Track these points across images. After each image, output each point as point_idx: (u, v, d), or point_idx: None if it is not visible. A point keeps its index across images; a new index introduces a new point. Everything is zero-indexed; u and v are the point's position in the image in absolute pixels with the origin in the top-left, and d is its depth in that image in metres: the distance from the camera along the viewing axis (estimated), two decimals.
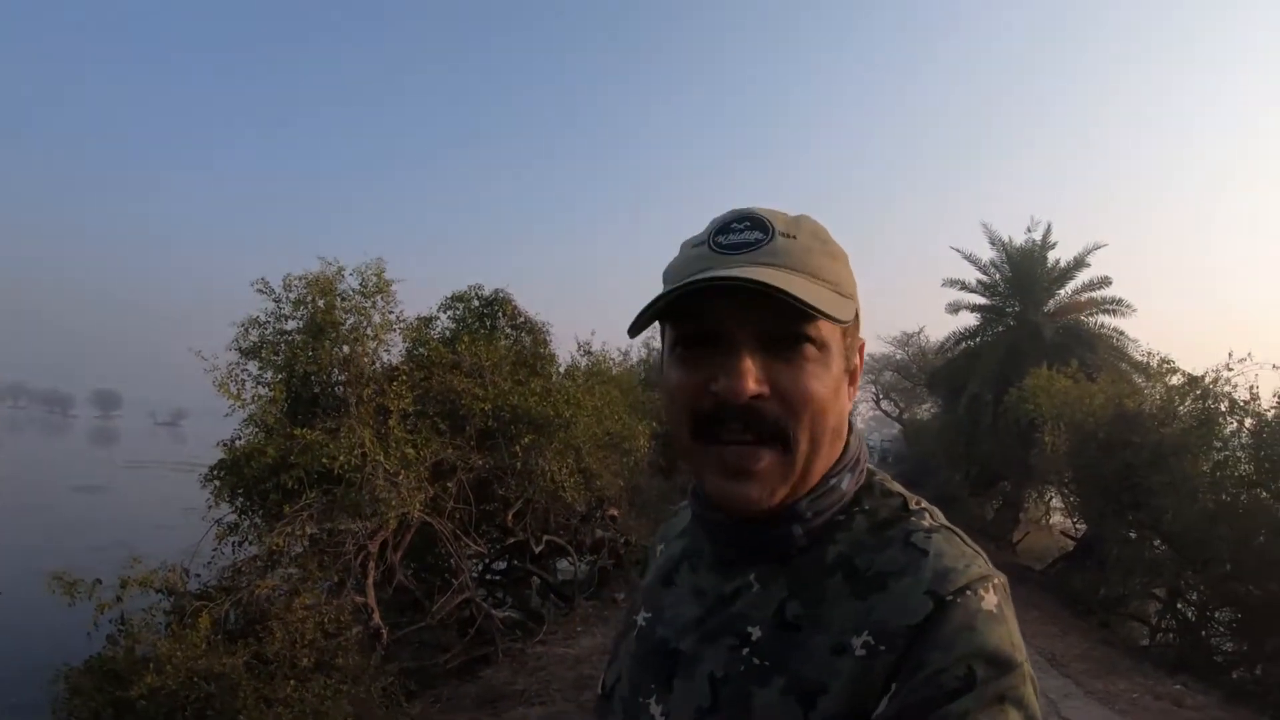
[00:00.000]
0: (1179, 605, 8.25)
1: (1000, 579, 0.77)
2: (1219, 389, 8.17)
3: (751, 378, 0.79)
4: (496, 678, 6.63)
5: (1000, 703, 0.68)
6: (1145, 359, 10.04)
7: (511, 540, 8.31)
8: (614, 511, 10.41)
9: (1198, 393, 8.43)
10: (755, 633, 0.81)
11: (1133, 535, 8.45)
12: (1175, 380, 8.99)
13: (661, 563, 1.01)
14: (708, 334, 0.81)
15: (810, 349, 0.80)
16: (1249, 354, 7.98)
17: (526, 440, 7.83)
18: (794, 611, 0.80)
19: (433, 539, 7.19)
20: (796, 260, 0.81)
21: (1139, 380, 10.72)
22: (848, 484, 0.86)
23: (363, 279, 6.63)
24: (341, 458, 5.82)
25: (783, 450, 0.80)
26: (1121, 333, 17.31)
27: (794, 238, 0.82)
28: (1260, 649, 6.44)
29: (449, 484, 7.27)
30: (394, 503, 6.09)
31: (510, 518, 8.14)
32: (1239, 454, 7.92)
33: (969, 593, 0.74)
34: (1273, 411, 7.49)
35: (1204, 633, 7.52)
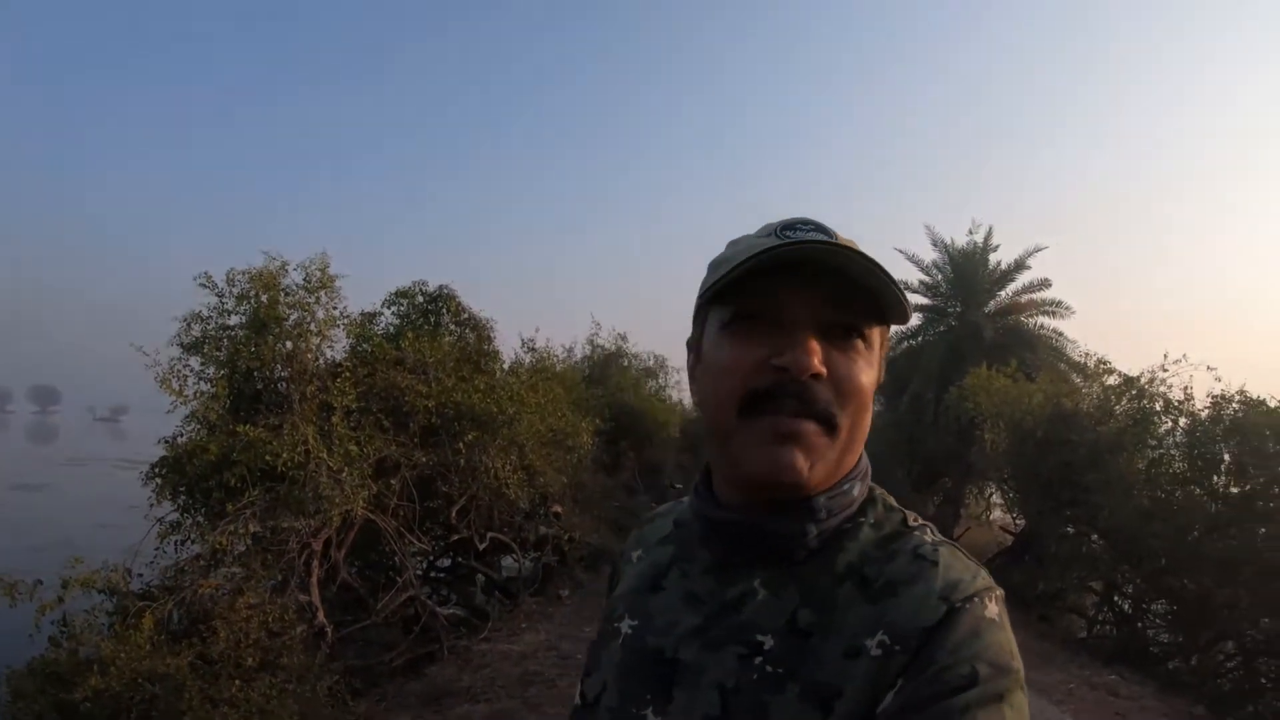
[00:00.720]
0: (1115, 599, 8.51)
1: (1000, 591, 0.81)
2: (1154, 389, 8.45)
3: (817, 356, 0.82)
4: (442, 675, 6.60)
5: (999, 702, 0.72)
6: (1083, 359, 10.36)
7: (455, 537, 8.26)
8: (557, 508, 10.41)
9: (1133, 393, 8.69)
10: (768, 641, 0.82)
11: (1070, 531, 8.70)
12: (1112, 380, 9.27)
13: (644, 569, 1.01)
14: (769, 313, 0.84)
15: (860, 343, 0.85)
16: (1184, 355, 8.28)
17: (470, 437, 7.80)
18: (806, 619, 0.82)
19: (376, 536, 7.12)
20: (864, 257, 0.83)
21: (1077, 380, 11.04)
22: (858, 490, 0.89)
23: (307, 274, 6.53)
24: (285, 455, 5.73)
25: (827, 431, 0.83)
26: (1060, 333, 17.79)
27: (853, 244, 0.85)
28: (1194, 640, 6.69)
29: (393, 481, 7.20)
30: (338, 500, 6.01)
31: (454, 515, 8.10)
32: (1173, 452, 8.19)
33: (976, 600, 0.78)
34: (1206, 411, 7.77)
35: (1140, 625, 7.78)
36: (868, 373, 0.85)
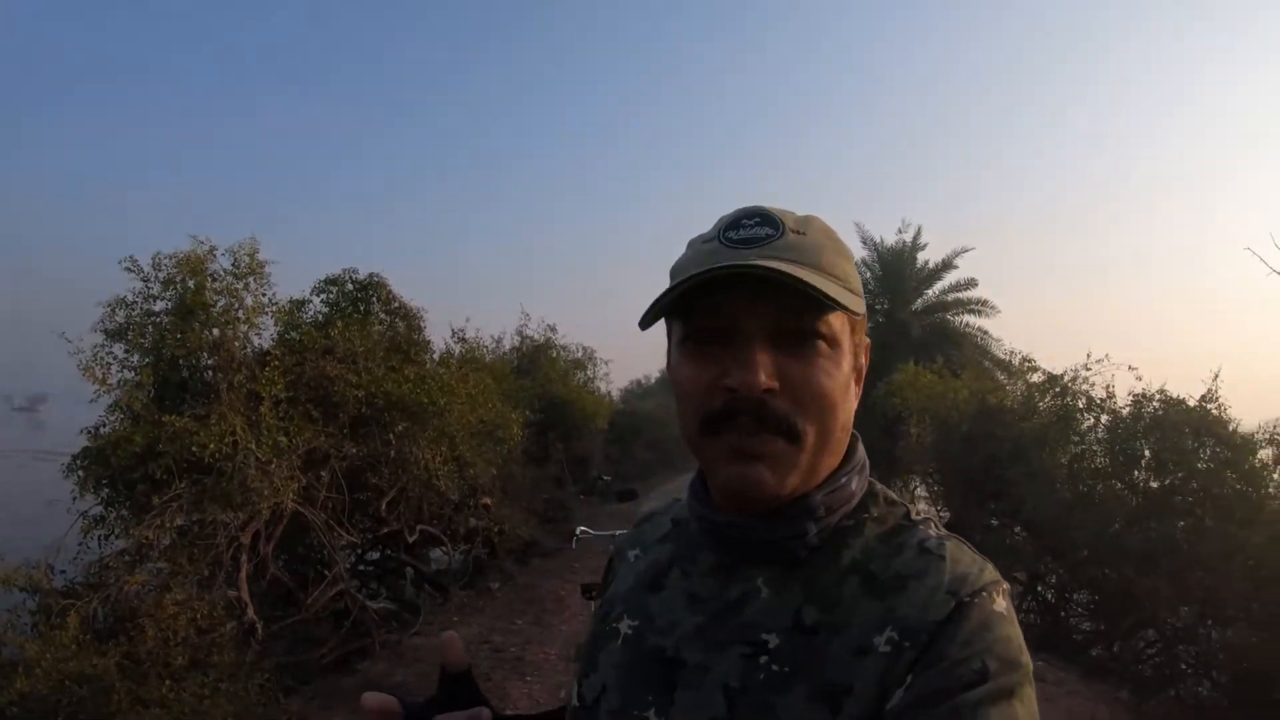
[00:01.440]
0: (1039, 588, 8.75)
1: (1006, 585, 0.81)
2: (1077, 387, 8.75)
3: (764, 371, 0.80)
4: (374, 670, 6.48)
5: (1009, 698, 0.71)
6: (1008, 357, 10.70)
7: (385, 530, 8.11)
8: (487, 500, 10.30)
9: (1057, 390, 8.99)
10: (772, 640, 0.81)
11: (994, 523, 8.98)
12: (1036, 378, 9.56)
13: (642, 569, 1.00)
14: (719, 328, 0.83)
15: (822, 345, 0.82)
16: (1106, 355, 8.62)
17: (400, 428, 7.67)
18: (812, 617, 0.81)
19: (305, 530, 6.95)
20: (808, 256, 0.82)
21: (1001, 377, 11.39)
22: (856, 484, 0.88)
23: (235, 259, 6.31)
24: (212, 446, 5.54)
25: (790, 441, 0.82)
26: (985, 332, 18.40)
27: (804, 234, 0.84)
28: (1116, 628, 6.97)
29: (322, 473, 7.03)
30: (266, 492, 5.85)
31: (384, 507, 7.94)
32: (1095, 448, 8.50)
33: (985, 594, 0.77)
34: (1127, 409, 8.07)
35: (1063, 614, 8.08)
36: (831, 373, 0.83)
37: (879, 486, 0.92)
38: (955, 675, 0.72)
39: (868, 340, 0.91)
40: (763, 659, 0.80)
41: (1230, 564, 5.97)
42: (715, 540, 0.90)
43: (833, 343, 0.83)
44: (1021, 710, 0.72)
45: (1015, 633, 0.77)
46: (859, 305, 0.85)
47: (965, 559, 0.81)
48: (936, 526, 0.87)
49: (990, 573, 0.80)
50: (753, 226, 0.85)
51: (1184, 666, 6.87)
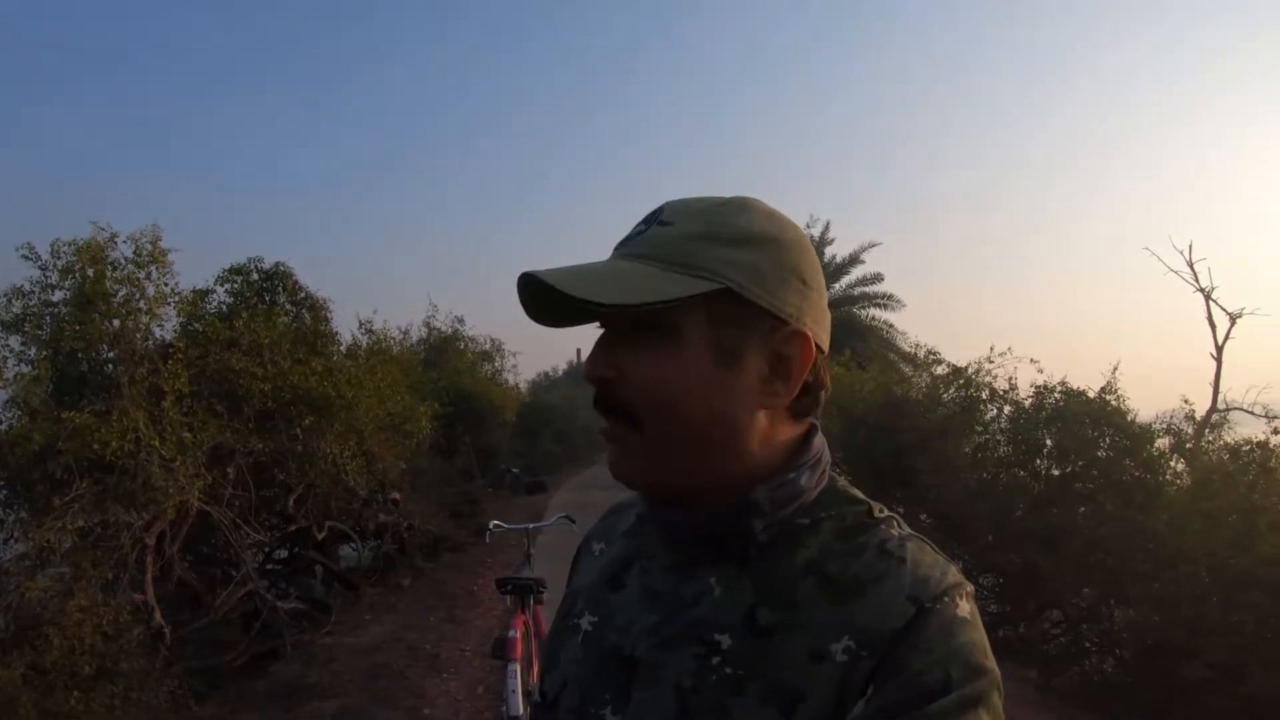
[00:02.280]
0: None
1: (970, 587, 0.79)
2: (980, 379, 9.03)
3: (596, 362, 0.84)
4: (287, 672, 6.29)
5: (974, 706, 0.69)
6: (913, 350, 11.01)
7: (293, 527, 7.89)
8: (396, 495, 10.12)
9: (961, 382, 9.26)
10: (725, 640, 0.80)
11: (901, 511, 9.14)
12: (940, 370, 9.82)
13: (605, 563, 0.99)
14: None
15: (653, 335, 0.81)
16: (1009, 348, 8.88)
17: (308, 422, 7.48)
18: (766, 618, 0.79)
19: (211, 529, 6.71)
20: (650, 248, 0.82)
21: (907, 370, 11.69)
22: (807, 480, 0.84)
23: (137, 247, 6.02)
24: (114, 443, 5.29)
25: (634, 429, 0.83)
26: (891, 325, 18.92)
27: (671, 224, 0.83)
28: (1022, 610, 7.28)
29: (228, 469, 6.80)
30: (171, 491, 5.62)
31: (292, 504, 7.73)
32: (998, 438, 8.81)
33: (946, 599, 0.75)
34: (1029, 400, 8.39)
35: None
36: (662, 364, 0.81)
37: (841, 483, 0.89)
38: (918, 686, 0.70)
39: (802, 331, 0.83)
40: (715, 660, 0.79)
41: (1131, 547, 6.30)
42: (666, 537, 0.90)
43: (668, 332, 0.81)
44: (987, 718, 0.70)
45: (980, 638, 0.74)
46: (655, 293, 0.78)
47: (927, 561, 0.79)
48: (899, 525, 0.84)
49: (953, 575, 0.78)
50: (636, 225, 0.87)
51: (1088, 645, 7.18)
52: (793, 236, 0.86)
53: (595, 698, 0.86)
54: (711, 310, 0.80)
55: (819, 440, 0.88)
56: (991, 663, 0.73)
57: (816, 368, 0.86)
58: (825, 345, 0.87)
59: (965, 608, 0.76)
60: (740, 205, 0.86)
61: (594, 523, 1.12)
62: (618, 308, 0.78)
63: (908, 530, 0.84)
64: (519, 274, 0.82)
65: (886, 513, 0.86)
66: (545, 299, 0.83)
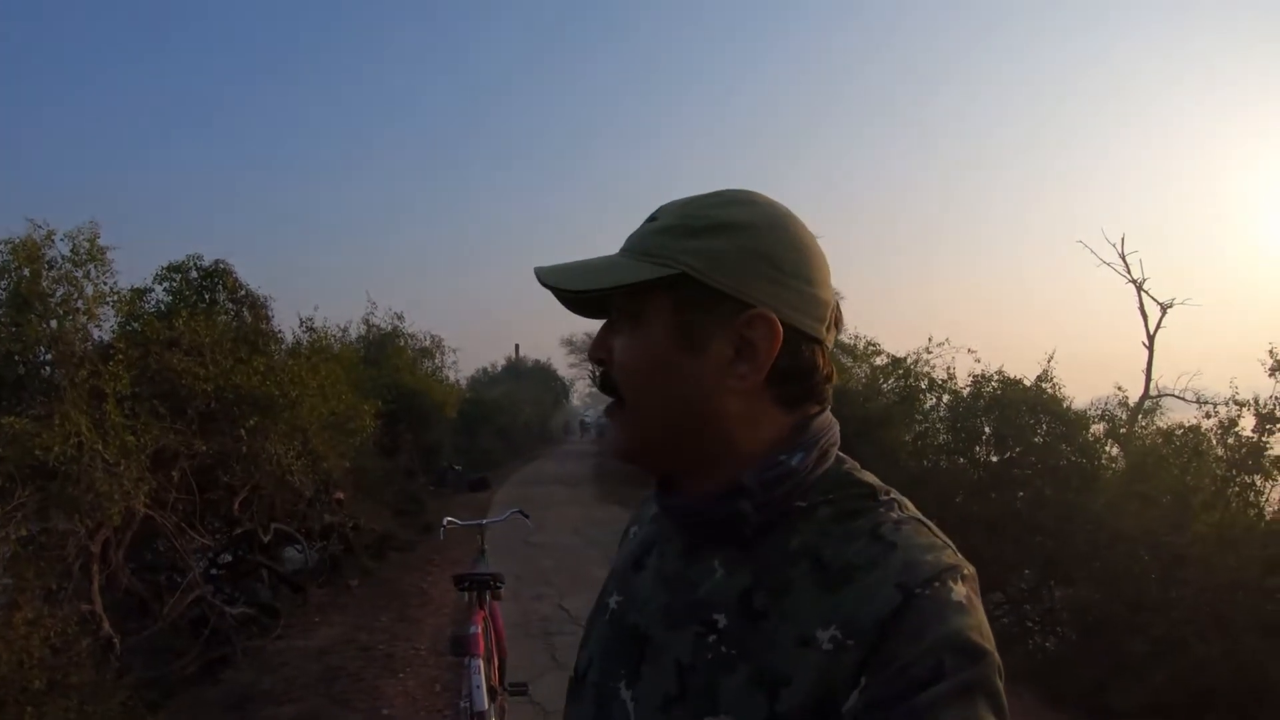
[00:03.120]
0: None
1: (969, 569, 0.78)
2: (919, 369, 9.24)
3: (593, 344, 0.95)
4: (240, 679, 6.15)
5: (969, 692, 0.69)
6: (852, 342, 11.08)
7: (239, 530, 7.71)
8: (340, 495, 9.97)
9: (900, 372, 9.47)
10: (721, 620, 0.82)
11: None
12: (880, 361, 10.05)
13: (634, 545, 1.03)
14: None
15: (624, 320, 0.90)
16: (947, 338, 9.12)
17: (251, 422, 7.32)
18: (760, 600, 0.81)
19: (155, 534, 6.52)
20: (632, 242, 0.91)
21: (847, 361, 11.80)
22: (800, 462, 0.85)
23: (74, 245, 5.80)
24: (56, 448, 5.10)
25: (620, 404, 0.91)
26: None
27: (655, 219, 0.90)
28: None
29: (172, 472, 6.60)
30: (116, 496, 5.44)
31: (237, 506, 7.55)
32: (938, 426, 9.00)
33: (937, 584, 0.74)
34: (967, 389, 8.59)
35: None
36: (629, 346, 0.88)
37: (847, 466, 0.89)
38: (909, 676, 0.70)
39: (765, 315, 0.83)
40: (711, 639, 0.82)
41: (1070, 528, 6.52)
42: (672, 521, 0.93)
43: (633, 316, 0.88)
44: (984, 704, 0.70)
45: (975, 621, 0.74)
46: (626, 276, 0.86)
47: (920, 545, 0.78)
48: (900, 508, 0.84)
49: (948, 557, 0.78)
50: (645, 222, 0.92)
51: (1030, 624, 7.40)
52: (769, 223, 0.87)
53: (613, 672, 0.91)
54: (677, 296, 0.84)
55: (820, 422, 0.89)
56: (989, 644, 0.73)
57: (799, 353, 0.86)
58: (818, 333, 0.87)
59: (960, 590, 0.75)
60: (721, 198, 0.88)
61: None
62: (574, 293, 0.89)
63: (908, 513, 0.83)
64: (534, 268, 0.92)
65: (891, 495, 0.86)
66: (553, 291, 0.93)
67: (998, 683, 0.72)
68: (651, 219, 0.90)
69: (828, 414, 0.91)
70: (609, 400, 0.94)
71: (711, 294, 0.83)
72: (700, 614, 0.84)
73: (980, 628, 0.74)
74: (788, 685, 0.75)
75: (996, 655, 0.73)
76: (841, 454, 0.90)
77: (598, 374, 0.94)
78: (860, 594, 0.75)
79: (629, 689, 0.87)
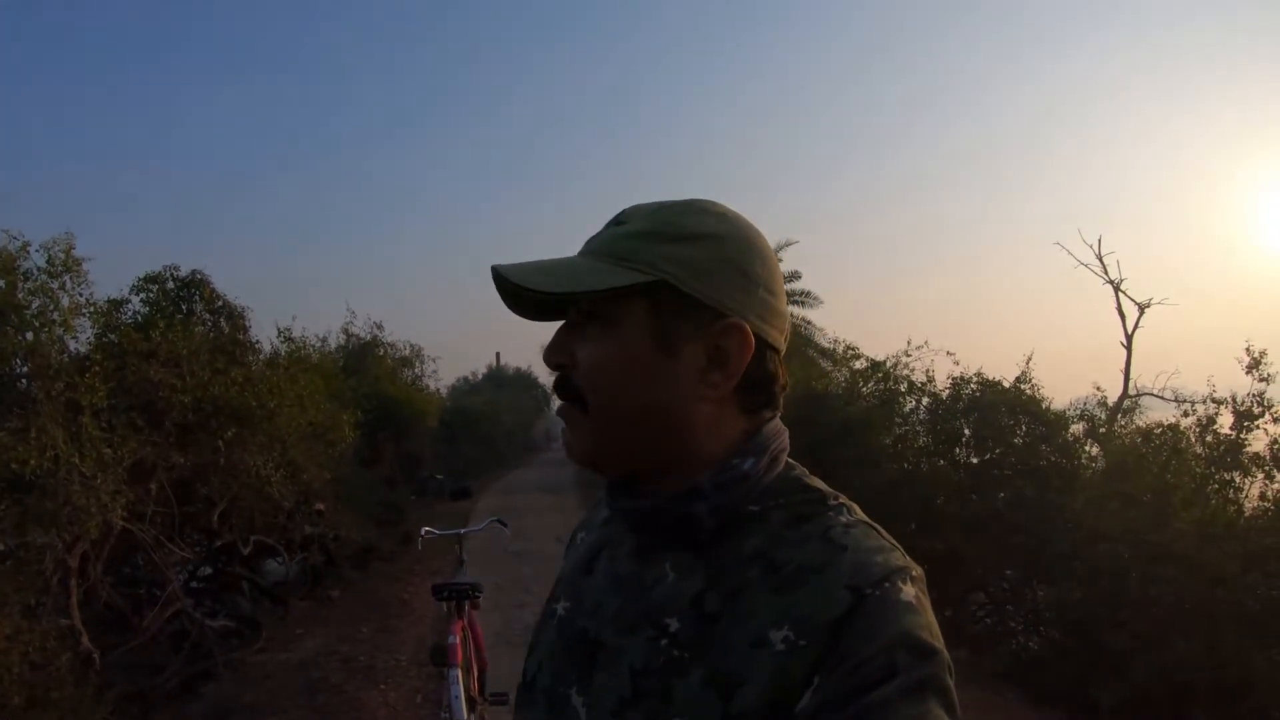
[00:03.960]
0: None
1: (917, 571, 0.80)
2: (898, 372, 9.23)
3: (551, 347, 0.92)
4: (222, 693, 6.10)
5: (921, 690, 0.71)
6: (832, 346, 11.17)
7: (218, 543, 7.64)
8: (321, 506, 9.89)
9: (879, 375, 9.46)
10: (673, 624, 0.83)
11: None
12: (859, 364, 10.02)
13: (583, 550, 1.03)
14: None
15: (595, 324, 0.88)
16: (925, 341, 9.12)
17: (230, 434, 7.26)
18: (713, 603, 0.82)
19: (134, 548, 6.46)
20: (601, 245, 0.90)
21: (826, 365, 11.89)
22: (751, 467, 0.86)
23: (50, 255, 5.74)
24: (33, 461, 5.05)
25: (583, 410, 0.89)
26: (809, 322, 19.26)
27: (623, 224, 0.90)
28: (947, 594, 7.46)
29: (150, 485, 6.54)
30: (94, 510, 5.39)
31: (216, 518, 7.48)
32: (918, 428, 9.03)
33: (887, 584, 0.76)
34: (947, 391, 8.62)
35: None
36: (598, 350, 0.87)
37: (797, 472, 0.91)
38: (862, 675, 0.71)
39: (739, 325, 0.86)
40: (663, 642, 0.82)
41: (1050, 528, 6.56)
42: (625, 523, 0.94)
43: (606, 321, 0.87)
44: (936, 701, 0.71)
45: (926, 621, 0.75)
46: (599, 281, 0.85)
47: (869, 547, 0.80)
48: (849, 513, 0.86)
49: (897, 559, 0.80)
50: (604, 227, 0.93)
51: (1013, 624, 7.45)
52: (740, 234, 0.89)
53: (564, 678, 0.91)
54: (653, 302, 0.85)
55: (770, 428, 0.91)
56: (939, 644, 0.75)
57: (764, 361, 0.89)
58: (779, 343, 0.91)
59: (909, 591, 0.77)
60: (691, 207, 0.90)
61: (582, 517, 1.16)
62: (556, 295, 0.86)
63: (857, 517, 0.85)
64: (490, 266, 0.88)
65: (840, 500, 0.88)
66: (515, 293, 0.91)
67: (948, 680, 0.73)
68: (618, 222, 0.91)
69: (778, 421, 0.93)
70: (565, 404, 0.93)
71: (688, 301, 0.85)
72: (653, 618, 0.85)
73: (930, 627, 0.75)
74: (742, 686, 0.75)
75: (946, 654, 0.75)
76: (791, 460, 0.93)
77: (554, 378, 0.93)
78: (812, 595, 0.77)
79: (580, 694, 0.88)
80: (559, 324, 0.94)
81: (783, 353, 0.93)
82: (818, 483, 0.91)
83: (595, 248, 0.89)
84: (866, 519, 0.86)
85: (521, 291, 0.88)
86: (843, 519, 0.84)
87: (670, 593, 0.85)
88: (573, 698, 0.88)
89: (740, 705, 0.75)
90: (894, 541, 0.83)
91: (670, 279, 0.84)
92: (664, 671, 0.81)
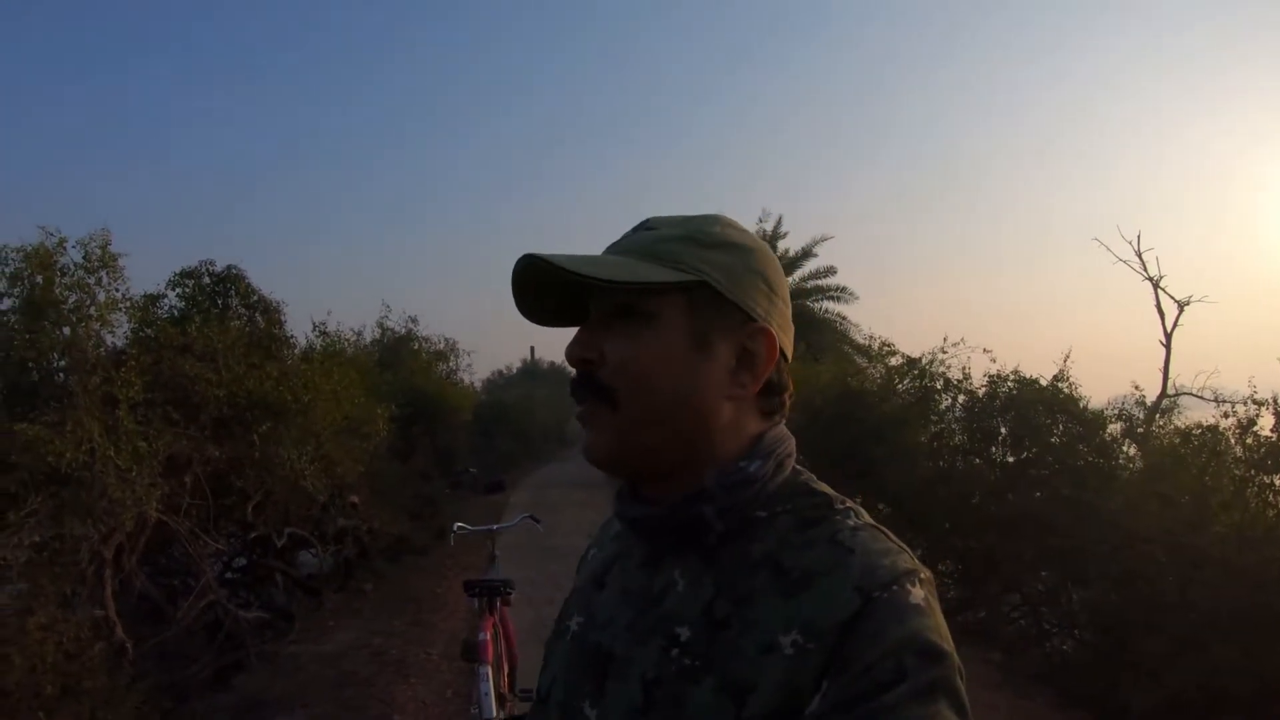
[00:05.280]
0: None
1: (926, 574, 0.81)
2: (934, 369, 9.13)
3: (579, 343, 0.91)
4: (252, 684, 6.18)
5: (931, 692, 0.71)
6: (867, 342, 11.05)
7: (253, 535, 7.74)
8: (355, 499, 9.99)
9: (915, 373, 9.37)
10: (684, 633, 0.83)
11: (859, 499, 9.28)
12: (895, 361, 9.91)
13: (594, 565, 1.04)
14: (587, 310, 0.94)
15: (634, 320, 0.88)
16: (962, 338, 9.02)
17: (264, 428, 7.35)
18: (722, 610, 0.82)
19: (169, 539, 6.56)
20: (637, 246, 0.90)
21: (862, 362, 11.78)
22: (758, 469, 0.88)
23: (86, 252, 5.85)
24: (69, 454, 5.14)
25: (611, 408, 0.88)
26: (844, 318, 19.14)
27: (655, 230, 0.92)
28: (982, 594, 7.40)
29: (185, 478, 6.64)
30: (129, 502, 5.48)
31: (250, 511, 7.58)
32: (954, 426, 8.92)
33: (896, 587, 0.76)
34: (983, 389, 8.49)
35: None
36: (641, 346, 0.87)
37: (805, 477, 0.92)
38: (871, 678, 0.71)
39: (766, 329, 0.89)
40: (674, 651, 0.83)
41: (1087, 529, 6.44)
42: (634, 532, 0.95)
43: (648, 317, 0.87)
44: (945, 704, 0.71)
45: (935, 623, 0.76)
46: (641, 275, 0.86)
47: (877, 550, 0.81)
48: (856, 516, 0.86)
49: (905, 561, 0.80)
50: (627, 232, 0.95)
51: (1048, 626, 7.32)
52: (761, 249, 0.94)
53: (577, 691, 0.91)
54: (690, 301, 0.87)
55: (776, 432, 0.93)
56: (948, 646, 0.75)
57: (780, 369, 0.92)
58: (789, 351, 0.95)
59: (918, 594, 0.77)
60: (717, 220, 0.94)
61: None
62: (611, 283, 0.84)
63: (864, 520, 0.86)
64: (519, 256, 0.86)
65: (847, 504, 0.88)
66: (536, 292, 0.92)
67: (958, 683, 0.73)
68: (648, 228, 0.92)
69: (783, 426, 0.95)
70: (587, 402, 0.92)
71: (722, 303, 0.88)
72: (663, 627, 0.85)
73: (939, 629, 0.76)
74: (753, 692, 0.76)
75: (956, 656, 0.75)
76: (798, 465, 0.94)
77: (575, 377, 0.92)
78: (820, 598, 0.77)
79: (593, 707, 0.88)
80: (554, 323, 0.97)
81: (789, 362, 0.96)
82: (824, 487, 0.91)
83: (632, 248, 0.90)
84: (873, 522, 0.87)
85: (553, 281, 0.88)
86: (850, 522, 0.85)
87: (680, 601, 0.86)
88: (585, 709, 0.89)
89: (752, 711, 0.75)
90: (902, 544, 0.84)
91: (711, 281, 0.87)
92: (676, 680, 0.81)
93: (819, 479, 0.93)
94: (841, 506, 0.88)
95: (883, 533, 0.85)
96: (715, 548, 0.87)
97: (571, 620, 0.99)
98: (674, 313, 0.87)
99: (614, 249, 0.92)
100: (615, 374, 0.87)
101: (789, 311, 0.96)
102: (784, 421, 0.96)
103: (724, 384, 0.88)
